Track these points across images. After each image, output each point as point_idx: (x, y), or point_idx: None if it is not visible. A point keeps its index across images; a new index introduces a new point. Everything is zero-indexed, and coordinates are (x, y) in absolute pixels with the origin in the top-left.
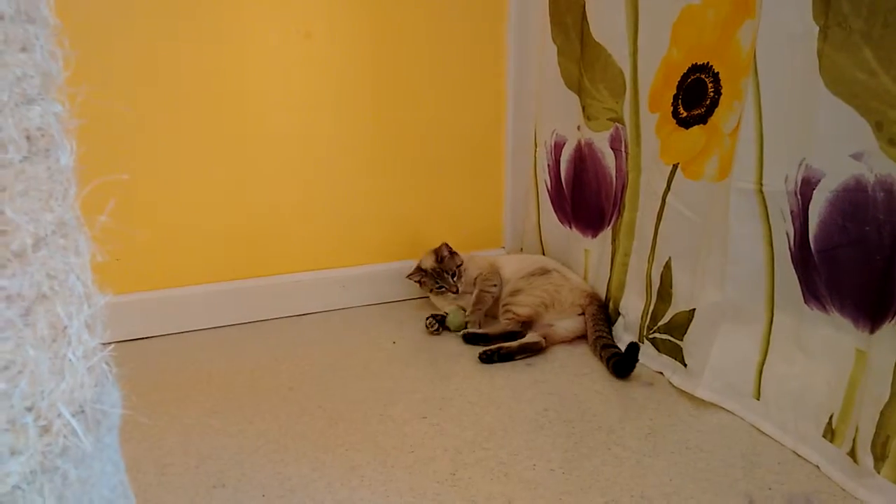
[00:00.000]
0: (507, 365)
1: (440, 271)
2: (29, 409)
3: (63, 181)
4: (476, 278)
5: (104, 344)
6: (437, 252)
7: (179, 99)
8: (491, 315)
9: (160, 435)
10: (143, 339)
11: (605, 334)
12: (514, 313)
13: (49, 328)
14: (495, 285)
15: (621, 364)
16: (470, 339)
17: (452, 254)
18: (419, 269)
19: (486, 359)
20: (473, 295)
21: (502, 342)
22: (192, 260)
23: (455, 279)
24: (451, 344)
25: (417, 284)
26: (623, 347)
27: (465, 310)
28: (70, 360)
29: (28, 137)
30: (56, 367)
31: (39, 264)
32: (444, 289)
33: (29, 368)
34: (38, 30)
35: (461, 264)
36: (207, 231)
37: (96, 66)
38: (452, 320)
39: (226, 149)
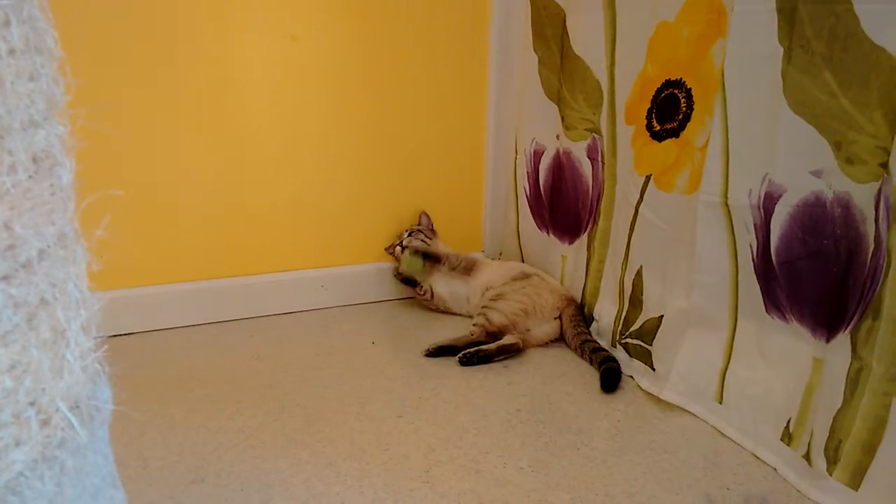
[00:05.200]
0: (483, 366)
1: (403, 231)
2: (31, 405)
3: (64, 197)
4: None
5: (97, 344)
6: (419, 217)
7: (163, 100)
8: (457, 313)
9: (141, 429)
10: (124, 335)
11: (590, 337)
12: (487, 319)
13: (50, 331)
14: (457, 256)
15: (609, 381)
16: (435, 352)
17: (429, 226)
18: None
19: (465, 361)
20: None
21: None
22: (174, 258)
23: (406, 235)
24: (426, 346)
25: (393, 257)
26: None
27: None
28: (68, 359)
29: (34, 159)
30: (55, 366)
31: (43, 274)
32: (400, 246)
33: (32, 368)
34: (44, 60)
35: (427, 234)
36: (190, 229)
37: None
38: (409, 264)
39: (208, 149)
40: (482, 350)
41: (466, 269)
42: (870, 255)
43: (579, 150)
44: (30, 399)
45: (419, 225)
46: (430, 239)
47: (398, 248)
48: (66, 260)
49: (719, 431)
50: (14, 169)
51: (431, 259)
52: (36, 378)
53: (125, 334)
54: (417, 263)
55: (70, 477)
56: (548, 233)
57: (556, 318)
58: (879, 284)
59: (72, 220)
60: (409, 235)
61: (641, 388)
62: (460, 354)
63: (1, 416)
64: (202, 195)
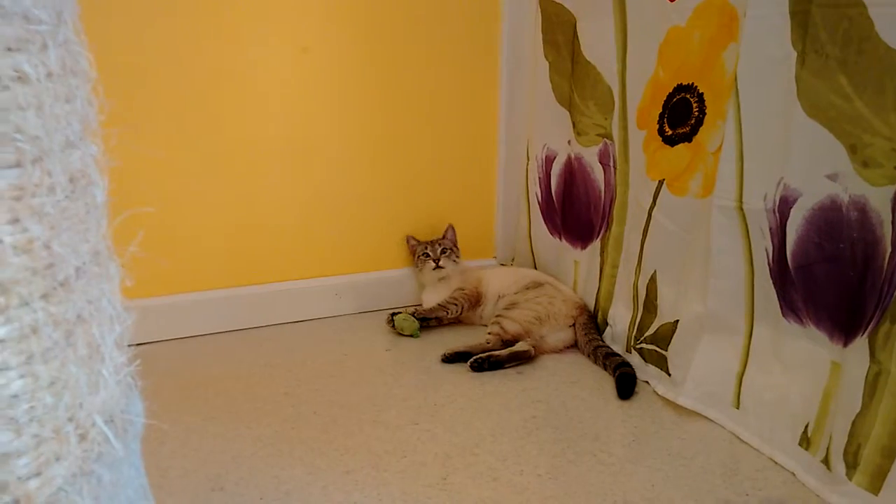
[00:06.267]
0: (498, 373)
1: (434, 241)
2: (70, 420)
3: (98, 215)
4: (455, 290)
5: (130, 358)
6: (445, 230)
7: (178, 111)
8: (469, 322)
9: (160, 439)
10: (141, 344)
11: (603, 343)
12: (501, 328)
13: (87, 347)
14: (456, 305)
15: (625, 387)
16: (451, 358)
17: (454, 241)
18: (419, 240)
19: (476, 367)
20: (445, 299)
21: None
22: (189, 267)
23: (441, 253)
24: (442, 352)
25: (411, 252)
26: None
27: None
28: (103, 374)
29: (71, 179)
30: (92, 381)
31: (80, 291)
32: (428, 256)
33: (71, 384)
34: (79, 82)
35: (456, 253)
36: (205, 239)
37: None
38: (404, 322)
39: (223, 159)
40: (493, 356)
41: (473, 306)
42: (887, 258)
43: (591, 156)
44: (69, 414)
45: (445, 238)
46: (457, 259)
47: (392, 315)
48: (100, 276)
49: (737, 437)
50: (53, 190)
51: (433, 320)
52: (74, 394)
53: (139, 344)
54: (414, 325)
55: (107, 490)
56: (560, 238)
57: (570, 326)
58: None
59: (105, 237)
60: (444, 252)
61: (657, 394)
62: (471, 360)
63: (42, 432)
64: (216, 205)
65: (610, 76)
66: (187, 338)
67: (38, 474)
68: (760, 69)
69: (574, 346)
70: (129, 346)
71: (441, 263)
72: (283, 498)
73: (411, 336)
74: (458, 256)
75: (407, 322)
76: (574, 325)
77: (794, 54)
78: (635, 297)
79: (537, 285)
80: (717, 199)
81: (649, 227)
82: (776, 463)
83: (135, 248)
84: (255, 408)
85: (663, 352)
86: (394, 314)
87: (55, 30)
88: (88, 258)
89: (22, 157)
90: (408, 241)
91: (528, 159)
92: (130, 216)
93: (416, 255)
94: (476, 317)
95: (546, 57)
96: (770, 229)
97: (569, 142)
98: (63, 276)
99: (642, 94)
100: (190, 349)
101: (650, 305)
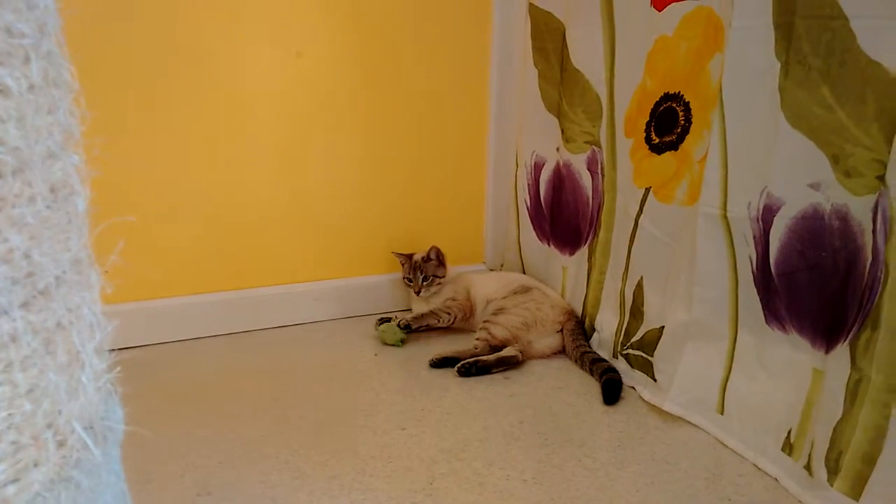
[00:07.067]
0: (485, 378)
1: (417, 267)
2: (49, 426)
3: (79, 224)
4: (446, 300)
5: (110, 365)
6: (428, 251)
7: (166, 113)
8: (459, 328)
9: (145, 444)
10: (125, 349)
11: (590, 349)
12: (490, 334)
13: (66, 355)
14: (449, 314)
15: (611, 392)
16: (440, 363)
17: (440, 262)
18: (410, 256)
19: (463, 372)
20: (437, 306)
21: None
22: (173, 271)
23: (423, 283)
24: (430, 357)
25: (401, 265)
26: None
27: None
28: (83, 381)
29: (52, 189)
30: (71, 388)
31: (60, 300)
32: (410, 282)
33: (50, 391)
34: (61, 93)
35: (441, 276)
36: (190, 243)
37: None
38: (385, 333)
39: (209, 163)
40: (480, 361)
41: (466, 317)
42: (868, 266)
43: (579, 163)
44: (47, 421)
45: (427, 262)
46: (442, 277)
47: (380, 321)
48: (80, 285)
49: (721, 442)
50: (34, 200)
51: (423, 328)
52: (53, 401)
53: (123, 349)
54: (397, 336)
55: (85, 496)
56: (548, 244)
57: (557, 332)
58: (878, 295)
59: (86, 245)
60: (425, 282)
61: (643, 400)
62: (458, 365)
63: (20, 439)
64: (201, 208)
65: (598, 84)
66: (174, 342)
67: (15, 480)
68: (745, 79)
69: (561, 351)
70: (112, 350)
71: (422, 295)
72: (269, 503)
73: (394, 346)
74: (442, 276)
75: (389, 332)
76: (561, 330)
77: (778, 65)
78: (622, 303)
79: (525, 290)
80: (703, 206)
81: (636, 234)
82: (759, 468)
83: (116, 257)
84: (242, 412)
85: (649, 357)
86: (383, 320)
87: (38, 42)
88: (69, 267)
89: (2, 168)
90: (397, 256)
91: (518, 166)
92: (113, 221)
93: (403, 273)
94: (464, 324)
95: (535, 65)
96: (754, 237)
97: (557, 149)
98: (43, 285)
99: (629, 103)
100: (177, 353)
101: (637, 311)
